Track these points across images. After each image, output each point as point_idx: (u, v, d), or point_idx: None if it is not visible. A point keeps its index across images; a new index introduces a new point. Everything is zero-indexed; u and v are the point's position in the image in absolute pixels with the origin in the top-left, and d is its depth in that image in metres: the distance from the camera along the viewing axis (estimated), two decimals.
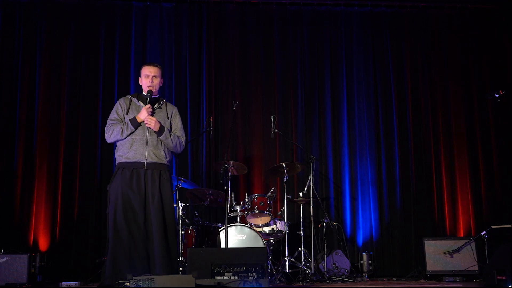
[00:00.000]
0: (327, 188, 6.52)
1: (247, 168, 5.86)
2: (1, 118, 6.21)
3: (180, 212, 5.33)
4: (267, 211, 5.45)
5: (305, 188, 5.68)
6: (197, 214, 5.62)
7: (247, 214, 5.45)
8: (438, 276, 5.66)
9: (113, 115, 4.25)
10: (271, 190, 5.62)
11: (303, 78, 6.70)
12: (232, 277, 3.75)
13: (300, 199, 5.67)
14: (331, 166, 6.55)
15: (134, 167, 4.11)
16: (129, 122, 4.14)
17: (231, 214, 5.45)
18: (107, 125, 4.24)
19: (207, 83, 6.53)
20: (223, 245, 4.92)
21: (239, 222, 5.35)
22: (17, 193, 6.04)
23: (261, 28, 6.74)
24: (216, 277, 3.77)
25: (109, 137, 4.22)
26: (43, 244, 5.97)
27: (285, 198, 5.57)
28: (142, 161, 4.11)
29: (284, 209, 5.60)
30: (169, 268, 4.01)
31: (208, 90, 6.52)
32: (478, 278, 5.57)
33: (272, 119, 5.80)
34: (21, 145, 6.16)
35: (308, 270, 5.32)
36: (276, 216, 5.69)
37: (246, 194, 5.65)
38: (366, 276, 5.86)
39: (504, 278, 4.23)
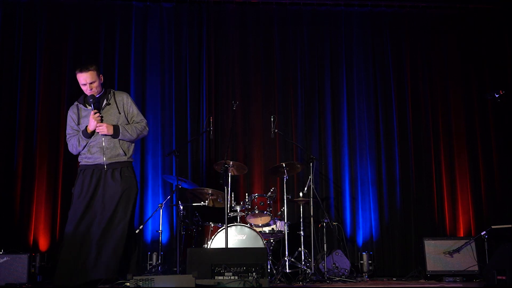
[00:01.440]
0: (327, 188, 6.53)
1: (247, 168, 5.86)
2: (1, 118, 6.21)
3: (180, 212, 5.33)
4: (267, 211, 5.45)
5: (305, 188, 5.68)
6: (197, 214, 5.62)
7: (247, 214, 5.45)
8: (438, 276, 5.66)
9: (68, 130, 4.30)
10: (271, 190, 5.62)
11: (303, 78, 6.70)
12: (232, 277, 3.75)
13: (300, 199, 5.67)
14: (331, 166, 6.55)
15: (95, 168, 4.16)
16: (81, 135, 4.19)
17: (231, 214, 5.45)
18: (66, 139, 4.30)
19: (207, 83, 6.53)
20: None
21: (239, 222, 5.35)
22: (17, 193, 6.05)
23: (261, 28, 6.74)
24: (216, 277, 3.77)
25: (72, 150, 4.29)
26: (43, 244, 5.98)
27: (285, 198, 5.57)
28: (102, 163, 4.15)
29: (284, 209, 5.59)
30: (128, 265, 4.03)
31: (208, 90, 6.52)
32: (478, 278, 5.57)
33: (272, 119, 5.80)
34: (21, 145, 6.16)
35: (308, 270, 5.32)
36: (276, 216, 5.69)
37: (246, 194, 5.65)
38: (366, 276, 5.86)
39: (504, 278, 4.23)
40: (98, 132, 4.15)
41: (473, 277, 5.61)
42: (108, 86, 6.33)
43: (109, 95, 4.28)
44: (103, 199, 4.09)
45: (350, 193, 6.50)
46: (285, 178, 5.61)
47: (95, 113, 4.11)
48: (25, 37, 6.39)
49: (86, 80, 4.15)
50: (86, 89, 4.19)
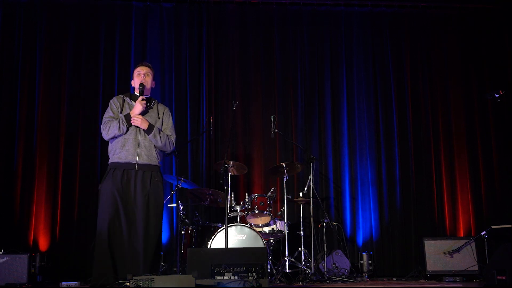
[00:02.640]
0: (327, 188, 6.53)
1: (247, 168, 5.86)
2: (1, 118, 6.21)
3: (180, 212, 5.34)
4: (267, 211, 5.45)
5: (305, 188, 5.68)
6: (197, 214, 5.62)
7: (247, 214, 5.45)
8: (438, 276, 5.66)
9: (108, 114, 4.26)
10: (271, 190, 5.62)
11: (303, 78, 6.70)
12: (232, 277, 3.75)
13: (300, 199, 5.67)
14: (331, 166, 6.55)
15: (126, 167, 4.13)
16: (123, 117, 4.16)
17: (231, 214, 5.45)
18: (103, 123, 4.24)
19: (207, 83, 6.53)
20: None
21: (239, 222, 5.35)
22: (17, 193, 6.05)
23: (261, 28, 6.74)
24: (216, 277, 3.77)
25: (107, 134, 4.21)
26: (43, 244, 5.98)
27: (285, 198, 5.57)
28: (134, 162, 4.14)
29: (284, 209, 5.59)
30: (150, 266, 4.03)
31: (208, 90, 6.52)
32: (478, 278, 5.57)
33: (272, 119, 5.80)
34: (21, 145, 6.16)
35: (308, 270, 5.32)
36: (276, 216, 5.69)
37: (246, 194, 5.65)
38: (366, 276, 5.86)
39: (504, 278, 4.23)
40: (132, 122, 4.14)
41: (473, 277, 5.61)
42: (108, 86, 6.41)
43: (153, 101, 4.39)
44: (135, 201, 4.09)
45: (350, 193, 6.50)
46: (285, 178, 5.61)
47: (142, 99, 4.16)
48: (25, 37, 6.39)
49: (142, 69, 4.29)
50: (140, 78, 4.27)
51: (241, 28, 6.74)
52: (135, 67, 4.41)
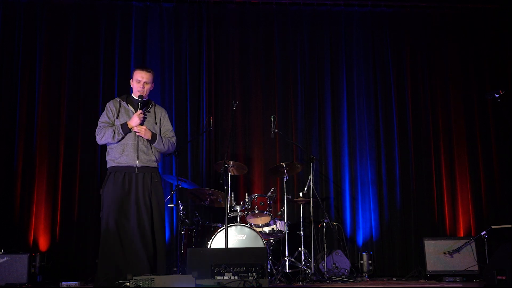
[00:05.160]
0: (327, 188, 6.52)
1: (247, 168, 5.86)
2: (1, 118, 6.21)
3: (180, 212, 5.34)
4: (267, 211, 5.45)
5: (305, 188, 5.69)
6: (197, 214, 5.62)
7: (247, 214, 5.45)
8: (438, 276, 5.66)
9: (103, 118, 4.31)
10: (271, 190, 5.62)
11: (303, 78, 6.70)
12: (232, 277, 3.76)
13: (300, 199, 5.68)
14: (331, 166, 6.55)
15: (126, 171, 4.19)
16: (120, 127, 4.20)
17: (231, 214, 5.45)
18: (98, 127, 4.30)
19: (207, 83, 6.53)
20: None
21: (239, 222, 5.35)
22: (17, 193, 6.05)
23: (261, 28, 6.74)
24: (216, 277, 3.77)
25: (100, 139, 4.28)
26: (43, 244, 5.98)
27: (285, 198, 5.57)
28: (134, 165, 4.19)
29: (284, 209, 5.60)
30: (156, 266, 4.06)
31: (208, 90, 6.52)
32: (478, 278, 5.57)
33: (272, 119, 5.80)
34: (21, 145, 6.16)
35: (308, 270, 5.32)
36: (276, 216, 5.69)
37: (246, 194, 5.65)
38: (366, 276, 5.86)
39: (504, 278, 4.23)
40: (135, 132, 4.20)
41: (473, 277, 5.62)
42: (108, 86, 6.40)
43: (151, 104, 4.41)
44: (138, 202, 4.14)
45: (350, 193, 6.50)
46: (285, 178, 5.61)
47: (141, 113, 4.20)
48: (25, 37, 6.38)
49: (143, 77, 4.27)
50: (138, 87, 4.28)
51: (241, 28, 6.73)
52: (135, 68, 4.40)
